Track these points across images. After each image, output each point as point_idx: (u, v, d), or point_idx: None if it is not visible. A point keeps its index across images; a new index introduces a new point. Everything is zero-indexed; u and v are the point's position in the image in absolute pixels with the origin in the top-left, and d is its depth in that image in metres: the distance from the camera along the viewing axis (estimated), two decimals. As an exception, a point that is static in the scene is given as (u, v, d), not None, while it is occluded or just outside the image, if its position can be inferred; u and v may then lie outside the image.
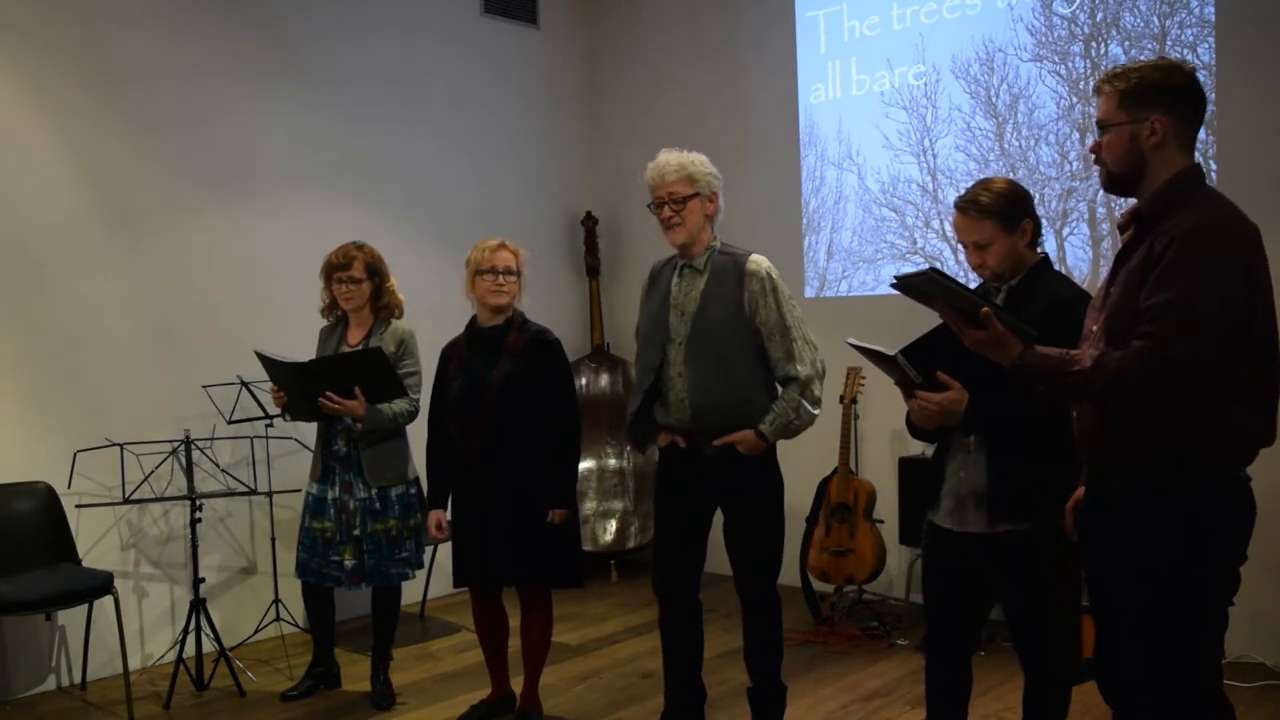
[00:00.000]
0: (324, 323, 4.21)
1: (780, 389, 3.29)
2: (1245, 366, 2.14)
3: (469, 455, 3.62)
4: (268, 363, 3.96)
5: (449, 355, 3.77)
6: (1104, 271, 4.49)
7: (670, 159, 3.31)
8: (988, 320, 2.24)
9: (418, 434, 4.17)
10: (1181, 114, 2.23)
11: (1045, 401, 2.51)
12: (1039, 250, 2.76)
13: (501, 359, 3.62)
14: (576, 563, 3.72)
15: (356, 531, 3.98)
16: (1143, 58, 4.37)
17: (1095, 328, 2.30)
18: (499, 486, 3.58)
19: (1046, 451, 2.64)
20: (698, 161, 3.32)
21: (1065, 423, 2.55)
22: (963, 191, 2.77)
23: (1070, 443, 2.60)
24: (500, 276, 3.62)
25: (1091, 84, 4.56)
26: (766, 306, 3.25)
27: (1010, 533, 2.67)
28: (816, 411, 3.29)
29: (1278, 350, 2.19)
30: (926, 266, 2.44)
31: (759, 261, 3.30)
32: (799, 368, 3.24)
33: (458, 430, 3.65)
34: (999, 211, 2.65)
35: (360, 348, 4.00)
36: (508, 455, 3.58)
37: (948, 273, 2.39)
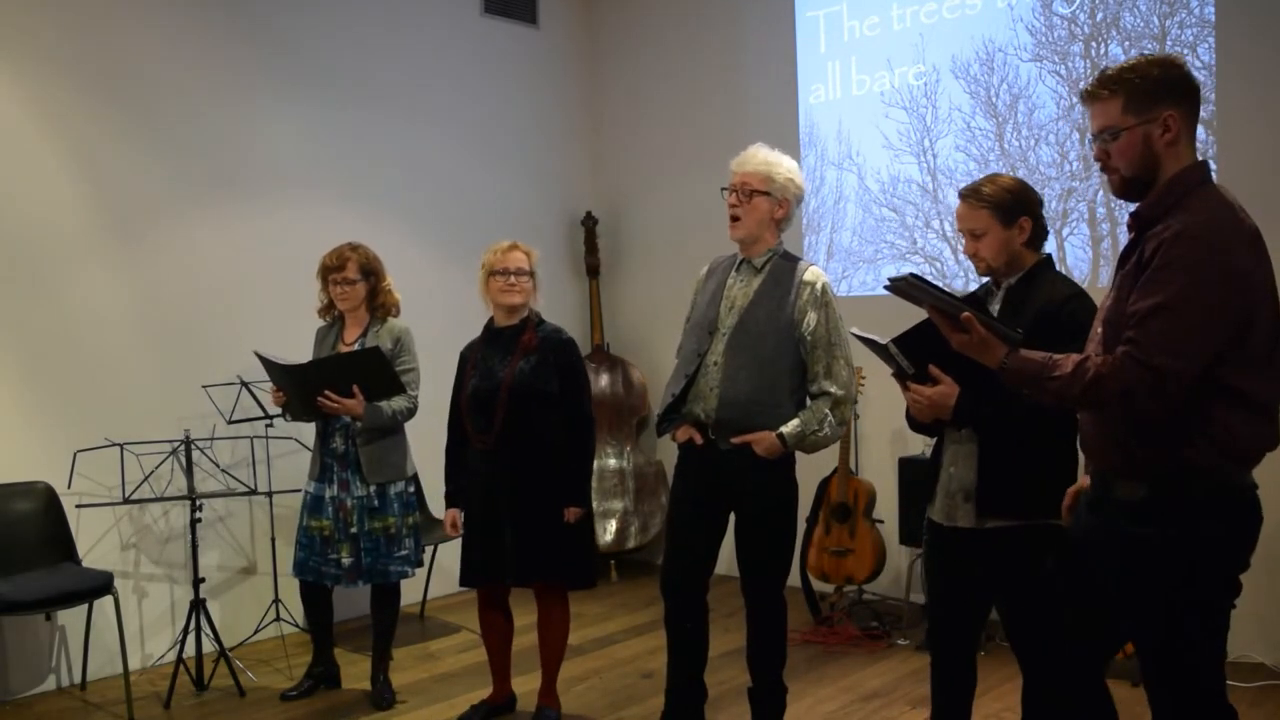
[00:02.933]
0: (321, 323, 4.22)
1: (810, 401, 3.29)
2: (1244, 371, 2.10)
3: (483, 453, 3.64)
4: (267, 364, 3.96)
5: (467, 356, 3.81)
6: (1104, 271, 4.53)
7: (759, 153, 3.30)
8: (969, 324, 2.24)
9: (416, 431, 4.18)
10: (1188, 107, 2.19)
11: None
12: (1042, 252, 2.78)
13: (515, 357, 3.64)
14: (589, 563, 3.72)
15: (354, 529, 3.98)
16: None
17: (1099, 329, 2.29)
18: (511, 484, 3.59)
19: (1040, 448, 2.65)
20: (784, 166, 3.29)
21: (1062, 419, 2.55)
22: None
23: (1068, 440, 2.62)
24: (512, 277, 3.66)
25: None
26: (816, 319, 3.24)
27: (999, 529, 2.68)
28: (841, 431, 3.29)
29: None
30: (908, 272, 2.46)
31: (816, 273, 3.30)
32: (835, 386, 3.23)
33: (472, 428, 3.68)
34: (997, 204, 2.70)
35: (357, 347, 4.01)
36: (520, 453, 3.60)
37: (930, 278, 2.42)
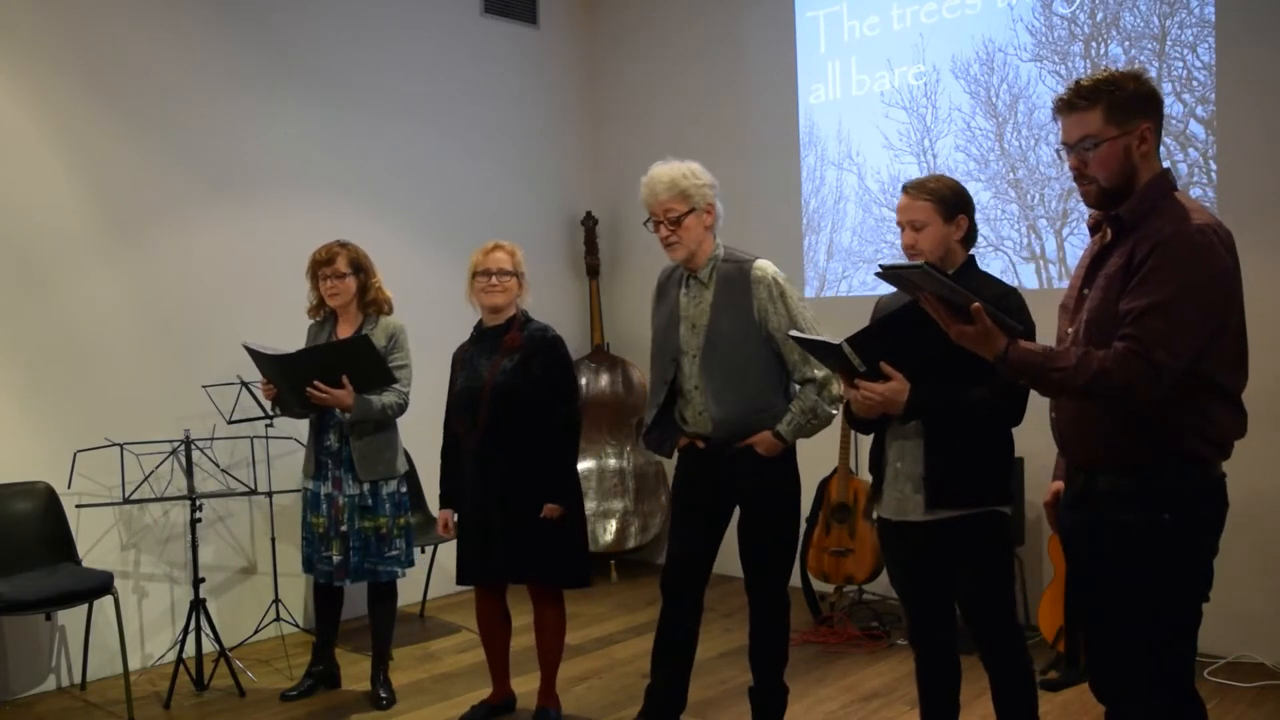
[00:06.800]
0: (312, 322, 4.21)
1: (798, 389, 3.30)
2: (1222, 365, 2.22)
3: (470, 451, 3.66)
4: (256, 356, 3.95)
5: (457, 357, 3.82)
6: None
7: (661, 174, 3.25)
8: (978, 315, 2.26)
9: (413, 431, 4.18)
10: (1159, 120, 2.31)
11: (987, 392, 2.62)
12: (969, 253, 2.87)
13: (499, 357, 3.65)
14: (581, 561, 3.73)
15: (344, 527, 3.98)
16: (1142, 58, 4.37)
17: (1070, 330, 2.36)
18: (495, 482, 3.61)
19: (983, 438, 2.74)
20: (690, 173, 3.25)
21: (1008, 409, 2.68)
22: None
23: (1009, 430, 2.75)
24: (494, 277, 3.66)
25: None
26: (777, 313, 3.24)
27: (949, 520, 2.75)
28: (835, 411, 3.29)
29: (1247, 347, 2.27)
30: (924, 261, 2.48)
31: (764, 268, 3.27)
32: (815, 370, 3.24)
33: (460, 427, 3.71)
34: (941, 198, 2.77)
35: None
36: (504, 451, 3.61)
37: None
